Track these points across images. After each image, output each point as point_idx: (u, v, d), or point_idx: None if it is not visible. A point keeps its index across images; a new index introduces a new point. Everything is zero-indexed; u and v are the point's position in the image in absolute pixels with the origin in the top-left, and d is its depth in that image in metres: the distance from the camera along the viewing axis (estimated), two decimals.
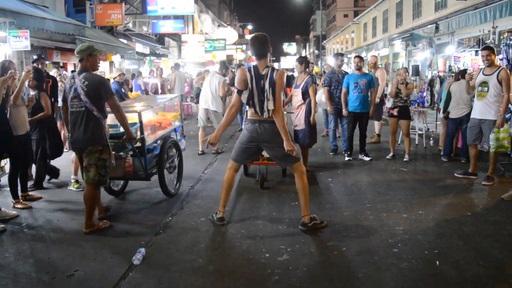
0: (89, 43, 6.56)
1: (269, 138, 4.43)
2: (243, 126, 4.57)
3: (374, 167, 7.28)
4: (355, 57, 8.03)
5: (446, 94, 7.62)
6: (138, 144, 5.26)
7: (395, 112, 7.72)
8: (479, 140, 6.35)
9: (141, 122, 5.21)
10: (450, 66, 13.50)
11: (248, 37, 55.43)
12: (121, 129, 5.01)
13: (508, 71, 6.15)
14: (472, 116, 6.36)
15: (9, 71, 4.57)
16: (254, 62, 4.54)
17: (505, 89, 5.91)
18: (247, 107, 4.50)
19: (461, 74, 7.66)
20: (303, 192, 4.53)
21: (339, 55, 8.68)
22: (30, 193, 5.70)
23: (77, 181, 6.09)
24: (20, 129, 5.30)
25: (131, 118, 5.28)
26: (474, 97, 6.41)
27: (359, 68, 7.78)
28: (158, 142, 5.78)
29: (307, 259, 3.84)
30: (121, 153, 5.20)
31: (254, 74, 4.33)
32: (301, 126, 6.67)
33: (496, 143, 6.04)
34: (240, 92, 4.43)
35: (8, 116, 5.19)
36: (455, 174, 6.56)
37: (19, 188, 5.46)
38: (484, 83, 6.12)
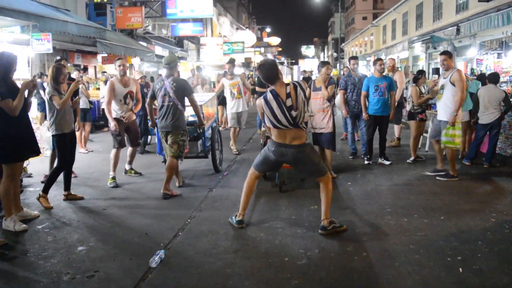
0: (175, 55, 7.40)
1: (295, 160, 4.46)
2: (267, 147, 4.57)
3: (394, 171, 7.19)
4: (378, 59, 7.93)
5: (474, 99, 7.47)
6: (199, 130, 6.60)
7: (424, 116, 7.91)
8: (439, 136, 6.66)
9: (202, 113, 6.53)
10: (472, 69, 13.27)
11: (267, 39, 55.65)
12: (189, 119, 6.67)
13: (461, 72, 6.37)
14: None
15: (32, 77, 4.66)
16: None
17: (457, 89, 6.19)
18: (265, 125, 4.50)
19: (488, 78, 7.53)
20: (326, 197, 4.50)
21: (351, 58, 8.65)
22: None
23: (113, 178, 6.45)
24: (65, 127, 5.54)
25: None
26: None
27: (383, 71, 7.71)
28: (209, 130, 7.16)
29: (326, 263, 3.80)
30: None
31: (273, 97, 4.27)
32: (328, 129, 6.58)
33: (446, 138, 6.36)
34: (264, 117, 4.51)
35: (54, 117, 5.48)
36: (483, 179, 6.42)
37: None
38: (442, 86, 6.45)
